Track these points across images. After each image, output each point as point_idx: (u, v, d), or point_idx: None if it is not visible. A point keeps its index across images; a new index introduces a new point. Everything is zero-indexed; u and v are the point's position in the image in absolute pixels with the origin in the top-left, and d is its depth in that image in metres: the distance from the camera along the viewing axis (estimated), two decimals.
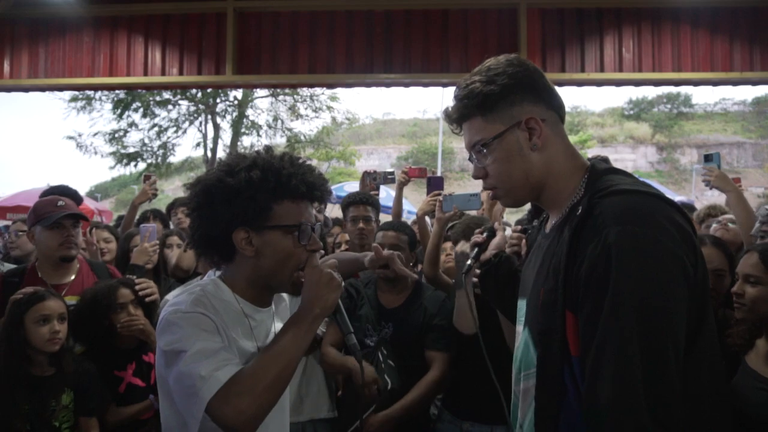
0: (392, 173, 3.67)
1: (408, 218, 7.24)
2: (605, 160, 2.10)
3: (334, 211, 7.88)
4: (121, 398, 2.38)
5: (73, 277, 2.56)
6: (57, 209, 2.47)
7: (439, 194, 2.91)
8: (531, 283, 1.26)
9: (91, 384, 2.24)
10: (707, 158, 3.05)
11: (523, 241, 2.05)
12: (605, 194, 1.10)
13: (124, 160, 16.58)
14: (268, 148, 1.41)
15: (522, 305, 1.31)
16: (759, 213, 2.60)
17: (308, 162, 1.43)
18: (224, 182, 1.33)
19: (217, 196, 1.33)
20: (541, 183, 1.23)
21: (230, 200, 1.32)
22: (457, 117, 1.27)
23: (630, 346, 0.98)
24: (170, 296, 2.74)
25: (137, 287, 2.50)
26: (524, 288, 1.33)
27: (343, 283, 1.36)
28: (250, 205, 1.31)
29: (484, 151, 1.23)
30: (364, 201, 3.12)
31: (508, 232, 2.11)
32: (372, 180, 3.62)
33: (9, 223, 5.56)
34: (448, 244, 3.07)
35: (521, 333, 1.28)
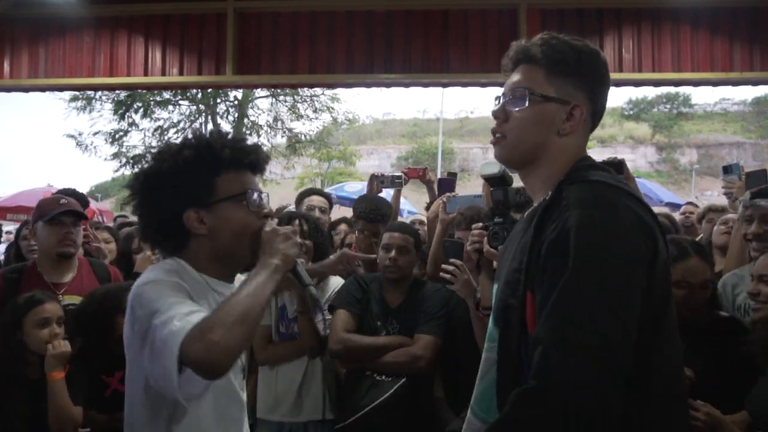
0: (400, 177, 3.66)
1: (407, 218, 7.26)
2: (621, 163, 2.03)
3: (340, 210, 7.87)
4: (106, 403, 2.30)
5: (72, 276, 2.57)
6: (59, 206, 2.49)
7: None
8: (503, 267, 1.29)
9: (76, 383, 2.20)
10: (726, 170, 2.88)
11: (485, 238, 2.03)
12: (573, 181, 1.15)
13: (129, 164, 16.60)
14: (195, 130, 1.44)
15: (495, 289, 1.34)
16: (742, 199, 2.52)
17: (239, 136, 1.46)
18: (161, 168, 1.36)
19: (157, 183, 1.36)
20: (540, 161, 1.24)
21: (172, 183, 1.34)
22: (531, 56, 1.24)
23: (581, 314, 1.00)
24: None
25: None
26: (497, 273, 1.37)
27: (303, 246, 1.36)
28: (192, 184, 1.34)
29: (525, 99, 1.22)
30: (378, 220, 3.10)
31: None
32: (380, 183, 3.63)
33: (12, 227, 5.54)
34: None
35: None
